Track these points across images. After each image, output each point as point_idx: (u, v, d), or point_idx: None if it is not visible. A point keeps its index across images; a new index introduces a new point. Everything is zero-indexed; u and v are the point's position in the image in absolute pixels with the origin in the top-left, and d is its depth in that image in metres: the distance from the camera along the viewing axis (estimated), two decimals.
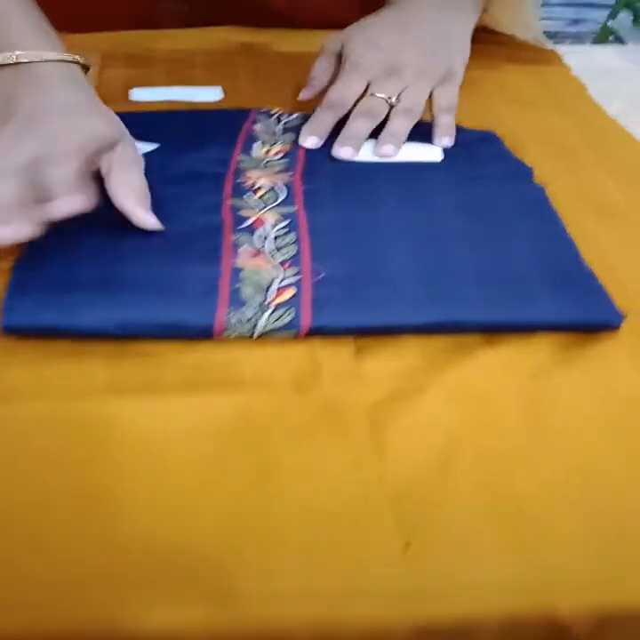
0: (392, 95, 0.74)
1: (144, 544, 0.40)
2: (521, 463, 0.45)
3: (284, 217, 0.61)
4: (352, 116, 0.74)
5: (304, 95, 0.80)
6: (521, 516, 0.42)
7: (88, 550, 0.40)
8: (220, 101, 0.85)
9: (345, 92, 0.74)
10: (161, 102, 0.85)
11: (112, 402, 0.48)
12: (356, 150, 0.71)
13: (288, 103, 0.84)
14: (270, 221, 0.61)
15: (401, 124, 0.73)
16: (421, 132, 0.76)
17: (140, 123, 0.73)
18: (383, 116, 0.74)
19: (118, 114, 0.77)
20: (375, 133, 0.74)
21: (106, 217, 0.58)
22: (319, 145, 0.73)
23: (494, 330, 0.53)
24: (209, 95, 0.87)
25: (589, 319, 0.54)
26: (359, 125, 0.73)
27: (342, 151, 0.71)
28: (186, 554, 0.40)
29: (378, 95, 0.73)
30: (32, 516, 0.42)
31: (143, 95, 0.86)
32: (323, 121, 0.74)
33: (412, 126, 0.73)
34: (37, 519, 0.42)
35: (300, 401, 0.48)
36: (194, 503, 0.43)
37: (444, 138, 0.74)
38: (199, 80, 0.90)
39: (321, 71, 0.80)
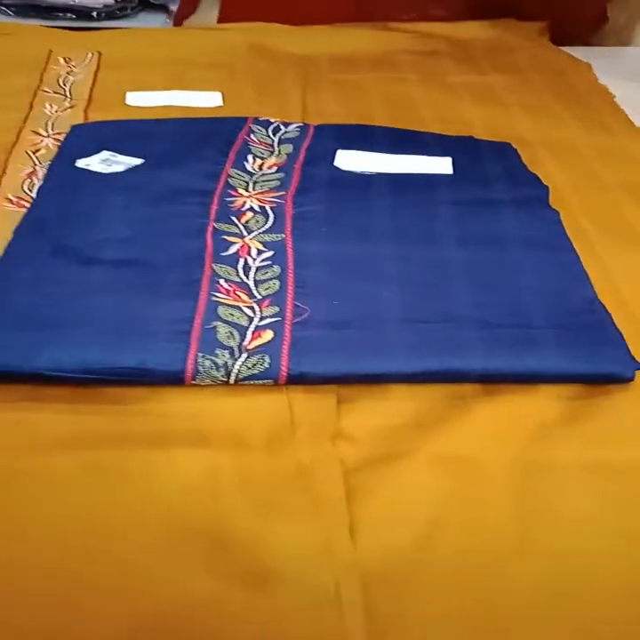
0: None
1: None
2: (507, 559, 0.40)
3: (270, 247, 0.56)
4: None
5: None
6: (502, 616, 0.37)
7: None
8: (219, 107, 0.81)
9: None
10: (158, 107, 0.81)
11: (69, 454, 0.44)
12: None
13: (290, 109, 0.79)
14: (255, 250, 0.56)
15: None
16: (432, 145, 0.71)
17: (130, 133, 0.70)
18: None
19: (104, 121, 0.74)
20: (376, 145, 0.69)
21: (74, 246, 0.54)
22: None
23: (493, 380, 0.48)
24: (208, 100, 0.82)
25: (600, 370, 0.49)
26: None
27: None
28: None
29: None
30: None
31: (139, 99, 0.82)
32: None
33: None
34: None
35: (270, 463, 0.44)
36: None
37: None
38: (199, 83, 0.85)
39: None
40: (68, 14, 1.53)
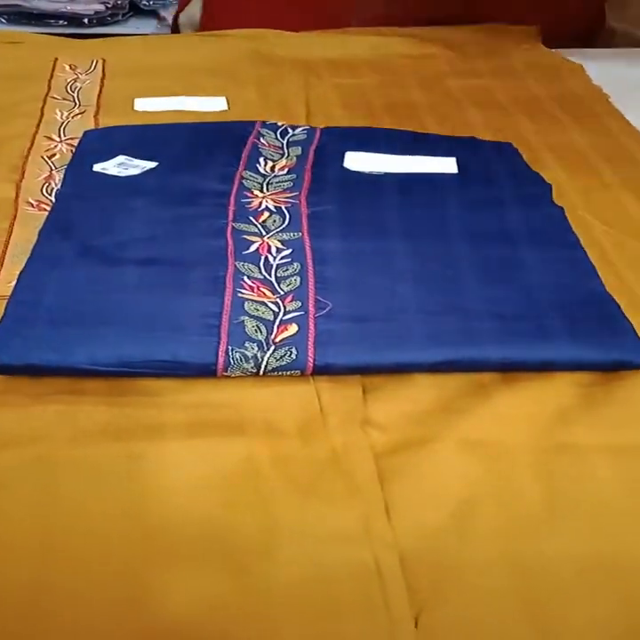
0: None
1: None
2: (539, 529, 0.42)
3: (289, 244, 0.59)
4: None
5: None
6: (541, 591, 0.39)
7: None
8: (224, 111, 0.83)
9: None
10: (165, 112, 0.82)
11: (109, 447, 0.46)
12: None
13: (294, 112, 0.82)
14: (274, 248, 0.58)
15: None
16: (436, 145, 0.73)
17: (142, 138, 0.71)
18: None
19: (116, 126, 0.75)
20: (382, 147, 0.72)
21: (99, 247, 0.56)
22: None
23: (510, 368, 0.51)
24: (213, 105, 0.84)
25: (612, 358, 0.51)
26: None
27: None
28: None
29: None
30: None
31: (147, 105, 0.84)
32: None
33: None
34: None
35: (305, 450, 0.46)
36: (192, 566, 0.40)
37: None
38: (204, 88, 0.87)
39: None
40: (60, 21, 1.56)
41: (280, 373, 0.50)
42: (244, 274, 0.55)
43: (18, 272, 0.56)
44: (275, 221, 0.61)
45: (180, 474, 0.44)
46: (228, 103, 0.84)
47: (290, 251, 0.58)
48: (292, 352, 0.49)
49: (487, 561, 0.40)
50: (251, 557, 0.40)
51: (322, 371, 0.50)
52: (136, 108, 0.84)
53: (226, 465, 0.45)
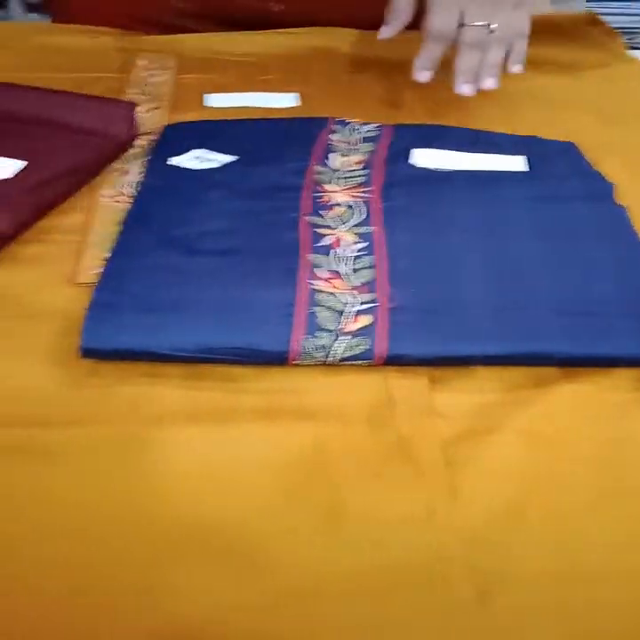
0: (490, 22, 0.73)
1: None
2: (592, 521, 0.44)
3: (362, 238, 0.61)
4: (460, 50, 0.74)
5: (385, 33, 0.79)
6: (587, 581, 0.41)
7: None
8: (295, 108, 0.85)
9: (443, 22, 0.74)
10: (235, 108, 0.85)
11: (186, 428, 0.48)
12: (474, 86, 0.73)
13: (364, 109, 0.83)
14: (348, 241, 0.60)
15: (498, 54, 0.74)
16: (501, 143, 0.75)
17: (217, 132, 0.74)
18: (490, 45, 0.74)
19: (194, 121, 0.78)
20: (451, 144, 0.73)
21: (178, 237, 0.59)
22: (430, 78, 0.75)
23: (572, 363, 0.52)
24: (284, 101, 0.86)
25: None
26: (471, 58, 0.74)
27: (463, 88, 0.73)
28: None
29: (477, 24, 0.73)
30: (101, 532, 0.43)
31: (218, 101, 0.87)
32: (431, 54, 0.75)
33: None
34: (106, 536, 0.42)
35: (373, 435, 0.48)
36: (261, 538, 0.43)
37: (516, 65, 0.76)
38: (273, 85, 0.90)
39: (402, 4, 0.78)
40: None
41: (350, 363, 0.52)
42: (316, 265, 0.58)
43: (100, 261, 0.59)
44: (348, 215, 0.63)
45: (254, 456, 0.47)
46: (299, 99, 0.86)
47: (364, 244, 0.60)
48: (363, 343, 0.52)
49: (544, 545, 0.42)
50: (317, 538, 0.43)
51: (392, 361, 0.52)
52: (206, 103, 0.86)
53: (295, 448, 0.47)
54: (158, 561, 0.41)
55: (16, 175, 0.66)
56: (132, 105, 0.79)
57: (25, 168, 0.66)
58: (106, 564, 0.41)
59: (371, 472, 0.46)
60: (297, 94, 0.87)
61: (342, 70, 0.94)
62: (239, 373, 0.52)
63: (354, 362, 0.52)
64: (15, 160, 0.67)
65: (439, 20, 0.74)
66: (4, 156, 0.68)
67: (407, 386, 0.51)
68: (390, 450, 0.47)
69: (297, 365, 0.52)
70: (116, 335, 0.51)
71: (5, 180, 0.65)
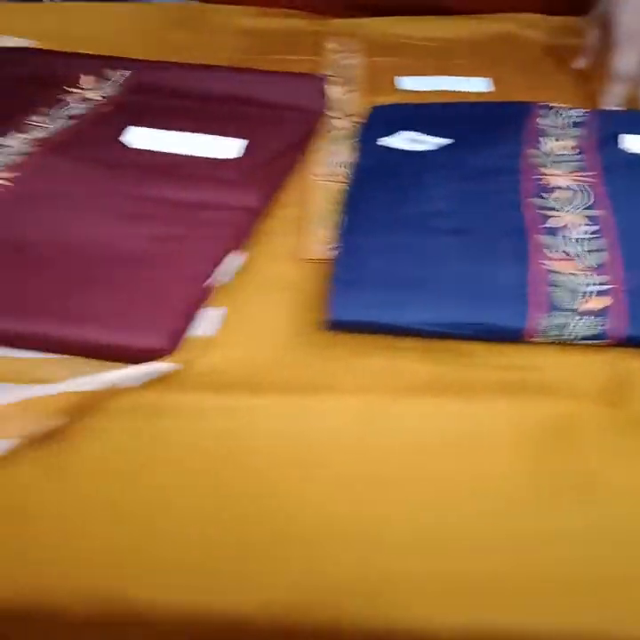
0: None
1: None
2: None
3: (591, 221, 0.61)
4: None
5: (579, 64, 0.89)
6: None
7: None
8: (489, 92, 0.86)
9: (628, 63, 0.79)
10: (429, 91, 0.86)
11: (426, 400, 0.50)
12: None
13: (557, 95, 0.83)
14: (576, 224, 0.61)
15: None
16: None
17: (424, 114, 0.76)
18: None
19: (400, 103, 0.80)
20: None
21: (409, 216, 0.61)
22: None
23: None
24: (477, 86, 0.87)
25: None
26: None
27: None
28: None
29: None
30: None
31: (410, 84, 0.88)
32: (617, 94, 0.80)
33: None
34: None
35: (610, 413, 0.49)
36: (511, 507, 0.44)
37: None
38: (464, 70, 0.90)
39: (593, 40, 0.86)
40: None
41: (584, 342, 0.53)
42: (547, 246, 0.58)
43: (324, 238, 0.61)
44: (571, 198, 0.64)
45: (495, 429, 0.48)
46: (492, 84, 0.87)
47: (594, 227, 0.60)
48: (599, 323, 0.52)
49: None
50: (568, 508, 0.44)
51: (629, 342, 0.52)
52: (398, 86, 0.88)
53: (537, 423, 0.48)
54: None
55: (243, 154, 0.68)
56: (322, 78, 0.81)
57: (247, 146, 0.69)
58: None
59: (612, 448, 0.47)
60: (490, 79, 0.88)
61: (531, 56, 0.94)
62: (474, 349, 0.54)
63: (588, 341, 0.52)
64: (235, 139, 0.70)
65: (624, 60, 0.79)
66: (223, 135, 0.71)
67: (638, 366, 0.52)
68: (626, 426, 0.48)
69: (528, 343, 0.53)
70: (364, 309, 0.53)
71: (237, 158, 0.68)
